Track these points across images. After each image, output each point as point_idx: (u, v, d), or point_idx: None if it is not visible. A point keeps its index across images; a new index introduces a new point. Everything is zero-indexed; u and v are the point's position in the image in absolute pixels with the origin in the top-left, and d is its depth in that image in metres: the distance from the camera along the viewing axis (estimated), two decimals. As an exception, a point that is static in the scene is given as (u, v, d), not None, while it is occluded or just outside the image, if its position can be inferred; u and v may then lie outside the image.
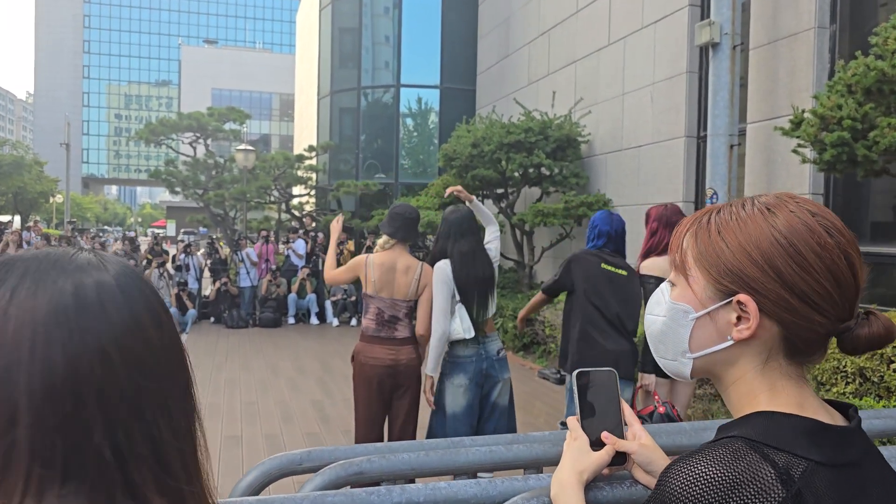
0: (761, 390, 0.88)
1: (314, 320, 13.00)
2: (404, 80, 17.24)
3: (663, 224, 4.21)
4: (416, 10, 17.27)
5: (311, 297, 13.01)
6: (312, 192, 19.34)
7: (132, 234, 27.84)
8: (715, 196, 7.53)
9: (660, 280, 3.89)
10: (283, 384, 7.88)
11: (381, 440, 3.96)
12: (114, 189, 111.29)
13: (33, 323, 0.57)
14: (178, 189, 18.60)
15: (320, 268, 13.65)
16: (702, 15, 8.62)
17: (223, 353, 9.85)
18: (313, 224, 15.89)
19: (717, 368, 0.93)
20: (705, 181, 7.80)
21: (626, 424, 1.07)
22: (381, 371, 3.85)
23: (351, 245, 13.89)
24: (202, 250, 16.85)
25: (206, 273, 14.27)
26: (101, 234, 37.76)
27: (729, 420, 0.91)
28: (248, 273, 12.93)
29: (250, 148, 16.21)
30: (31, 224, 31.43)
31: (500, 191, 11.57)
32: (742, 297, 0.86)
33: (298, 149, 26.87)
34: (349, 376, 4.16)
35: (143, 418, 0.60)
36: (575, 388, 1.05)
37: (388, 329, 3.88)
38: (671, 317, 0.95)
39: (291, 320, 12.92)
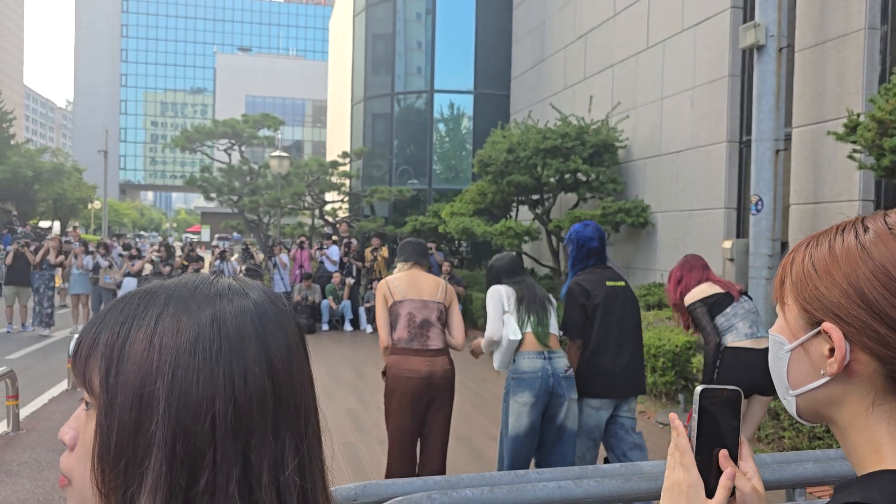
0: (884, 441, 0.76)
1: (348, 327, 12.98)
2: (438, 85, 17.18)
3: (686, 269, 4.34)
4: (449, 15, 17.22)
5: (346, 303, 12.99)
6: (346, 198, 19.38)
7: (171, 239, 28.22)
8: (760, 203, 7.32)
9: (705, 302, 4.12)
10: (317, 392, 7.82)
11: (415, 458, 3.91)
12: (150, 195, 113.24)
13: (175, 350, 0.59)
14: (213, 195, 18.77)
15: (353, 274, 13.64)
16: (745, 17, 8.42)
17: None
18: (347, 230, 15.89)
19: (824, 410, 0.82)
20: (749, 187, 7.60)
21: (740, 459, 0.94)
22: (417, 384, 3.76)
23: (385, 251, 13.84)
24: (236, 256, 16.99)
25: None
26: (137, 239, 38.34)
27: (846, 479, 0.79)
28: (281, 279, 12.96)
29: (284, 154, 16.29)
30: (69, 230, 32.08)
31: (535, 197, 11.44)
32: (826, 325, 0.77)
33: (331, 155, 26.98)
34: (384, 384, 4.09)
35: (266, 448, 0.60)
36: (696, 409, 0.92)
37: (422, 338, 3.83)
38: (772, 350, 0.87)
39: (325, 326, 12.91)
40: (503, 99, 16.36)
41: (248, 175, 19.18)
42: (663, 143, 9.87)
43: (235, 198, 18.48)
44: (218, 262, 13.65)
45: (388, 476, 3.84)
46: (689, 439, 0.92)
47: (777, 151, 7.18)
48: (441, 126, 17.68)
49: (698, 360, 6.57)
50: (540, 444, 3.73)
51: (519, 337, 3.69)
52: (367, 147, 18.51)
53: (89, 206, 40.67)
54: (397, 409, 3.80)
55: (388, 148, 18.10)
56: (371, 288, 13.12)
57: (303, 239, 14.16)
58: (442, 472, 3.88)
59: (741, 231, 8.44)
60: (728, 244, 7.96)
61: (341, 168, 18.52)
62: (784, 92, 7.25)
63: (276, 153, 16.20)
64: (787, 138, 7.50)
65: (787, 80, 7.40)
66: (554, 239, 11.20)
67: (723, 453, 0.89)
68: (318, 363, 9.52)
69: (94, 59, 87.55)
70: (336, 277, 13.04)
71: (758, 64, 7.18)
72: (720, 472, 0.88)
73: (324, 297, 12.97)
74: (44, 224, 33.95)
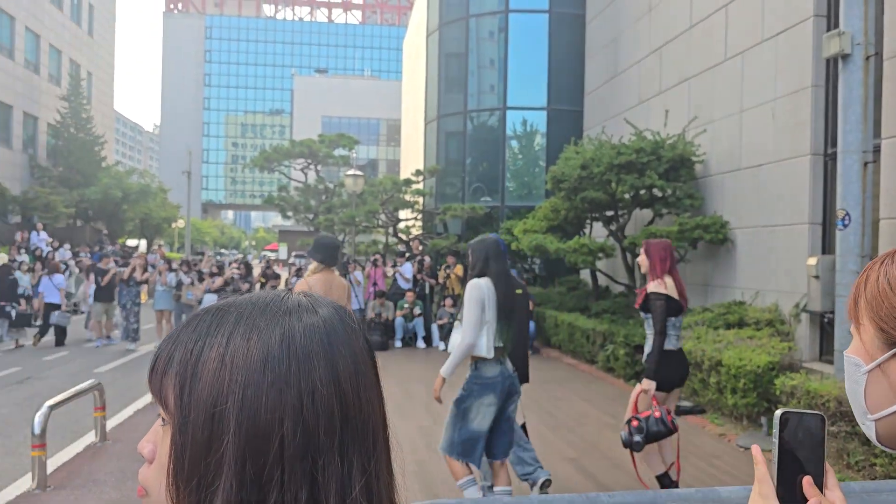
0: None
1: (420, 344, 13.06)
2: (511, 102, 17.21)
3: (670, 253, 4.67)
4: (522, 32, 17.26)
5: (418, 320, 13.08)
6: (419, 216, 19.57)
7: (249, 257, 29.09)
8: (847, 218, 7.00)
9: (669, 298, 4.49)
10: (390, 409, 7.83)
11: None
12: (230, 214, 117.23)
13: (246, 370, 0.60)
14: (289, 213, 19.28)
15: (427, 292, 13.73)
16: (829, 25, 8.12)
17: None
18: (420, 248, 16.02)
19: None
20: (835, 201, 7.29)
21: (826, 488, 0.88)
22: None
23: (459, 269, 13.87)
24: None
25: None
26: (218, 257, 39.69)
27: None
28: (355, 296, 13.16)
29: (359, 173, 16.59)
30: (155, 248, 33.50)
31: (609, 213, 11.28)
32: None
33: (405, 173, 27.32)
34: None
35: (333, 468, 0.60)
36: (776, 435, 0.87)
37: None
38: (848, 372, 0.84)
39: (398, 343, 13.03)
40: (576, 115, 16.24)
41: (324, 194, 19.62)
42: (743, 156, 9.58)
43: (311, 216, 18.92)
44: (294, 279, 13.98)
45: None
46: (770, 466, 0.88)
47: (865, 164, 6.87)
48: (514, 143, 17.68)
49: (781, 382, 6.31)
50: (491, 432, 4.17)
51: (492, 355, 4.04)
52: (441, 165, 18.67)
53: (173, 224, 42.38)
54: None
55: (461, 165, 18.21)
56: (443, 305, 13.18)
57: (377, 256, 14.36)
58: None
59: (827, 247, 8.09)
60: (813, 261, 7.64)
61: (415, 186, 18.72)
62: (872, 102, 6.94)
63: (352, 172, 16.53)
64: (876, 150, 7.17)
65: (875, 89, 7.08)
66: (629, 256, 11.00)
67: (807, 480, 0.85)
68: (391, 380, 9.60)
69: (179, 84, 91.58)
70: (409, 295, 13.16)
71: (843, 73, 6.90)
72: (805, 501, 0.84)
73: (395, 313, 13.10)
74: (131, 242, 35.56)
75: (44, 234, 22.60)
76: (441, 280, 13.81)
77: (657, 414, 4.37)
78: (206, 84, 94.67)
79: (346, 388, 0.62)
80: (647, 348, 4.61)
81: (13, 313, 12.95)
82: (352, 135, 21.43)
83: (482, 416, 4.05)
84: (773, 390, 6.60)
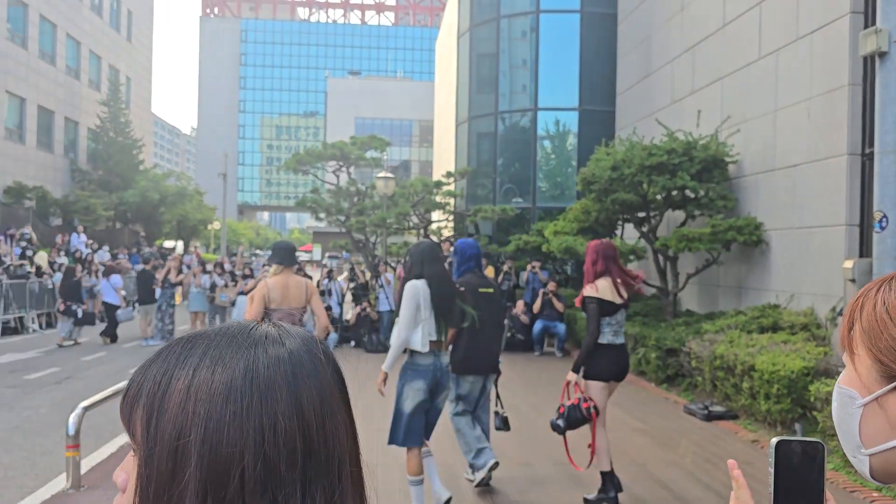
0: None
1: (451, 345, 13.05)
2: (542, 103, 17.13)
3: (601, 255, 5.00)
4: (553, 32, 17.17)
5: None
6: (450, 218, 19.58)
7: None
8: (885, 220, 6.83)
9: (601, 301, 4.86)
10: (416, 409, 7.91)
11: None
12: (265, 215, 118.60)
13: (209, 403, 0.59)
14: (321, 216, 19.41)
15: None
16: (866, 22, 7.92)
17: (363, 376, 10.07)
18: (450, 249, 16.02)
19: None
20: (872, 203, 7.12)
21: None
22: None
23: (490, 271, 13.83)
24: (344, 274, 17.48)
25: (348, 297, 14.73)
26: (253, 257, 40.16)
27: None
28: (387, 298, 13.21)
29: (390, 175, 16.66)
30: (191, 249, 34.04)
31: (641, 214, 11.16)
32: None
33: (437, 174, 27.33)
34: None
35: (293, 502, 0.59)
36: (772, 463, 0.85)
37: None
38: (840, 403, 0.80)
39: (428, 345, 13.03)
40: (608, 115, 16.11)
41: (356, 195, 19.71)
42: (777, 157, 9.41)
43: (343, 218, 19.03)
44: (326, 280, 14.09)
45: None
46: (769, 494, 0.84)
47: (904, 165, 6.69)
48: (545, 144, 17.59)
49: (816, 388, 6.18)
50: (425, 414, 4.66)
51: (427, 349, 4.48)
52: (472, 166, 18.65)
53: (209, 226, 42.99)
54: None
55: (492, 167, 18.18)
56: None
57: (407, 258, 14.39)
58: None
59: (864, 250, 7.90)
60: (849, 264, 7.47)
61: (446, 188, 18.73)
62: (912, 101, 6.75)
63: (382, 174, 16.60)
64: (916, 150, 6.97)
65: (915, 87, 6.88)
66: (661, 258, 10.87)
67: None
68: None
69: (215, 88, 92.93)
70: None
71: (880, 71, 6.74)
72: None
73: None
74: (168, 244, 36.17)
75: (83, 237, 23.11)
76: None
77: (574, 402, 4.90)
78: (242, 87, 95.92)
79: (310, 421, 0.61)
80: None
81: (79, 312, 13.66)
82: (384, 136, 21.47)
83: (410, 399, 4.49)
84: (807, 396, 6.46)
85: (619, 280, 4.98)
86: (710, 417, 7.62)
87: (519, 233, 15.67)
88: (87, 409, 5.47)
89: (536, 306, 12.41)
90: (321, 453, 0.61)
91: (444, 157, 31.84)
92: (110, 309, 14.04)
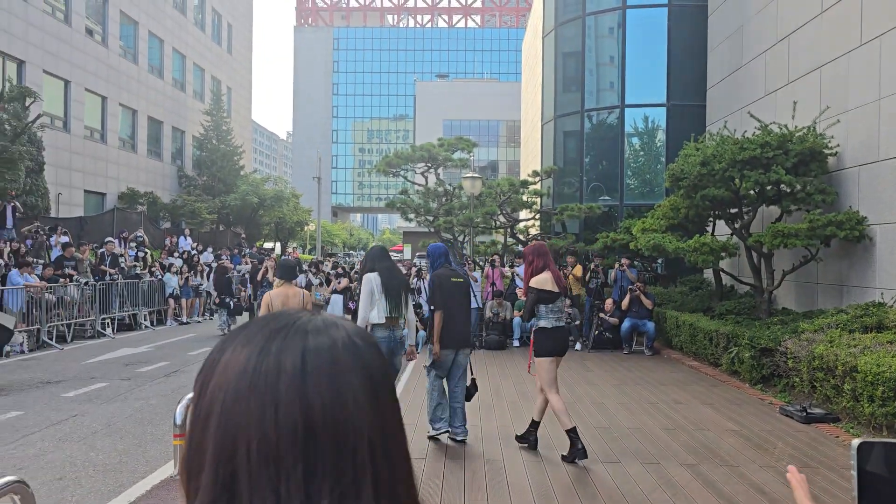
0: None
1: (538, 344, 13.05)
2: (629, 100, 16.86)
3: (537, 255, 6.16)
4: (640, 27, 16.88)
5: (535, 320, 13.08)
6: (537, 216, 19.56)
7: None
8: None
9: (540, 291, 5.99)
10: (505, 407, 8.00)
11: None
12: (358, 216, 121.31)
13: (230, 379, 0.63)
14: (410, 216, 19.77)
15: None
16: (978, 2, 7.46)
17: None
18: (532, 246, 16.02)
19: None
20: None
21: None
22: None
23: (578, 270, 13.75)
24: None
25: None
26: (347, 258, 41.20)
27: None
28: (474, 295, 13.34)
29: (477, 176, 16.81)
30: (289, 250, 35.30)
31: (732, 210, 10.85)
32: None
33: (524, 173, 27.30)
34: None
35: (294, 483, 0.61)
36: (855, 467, 0.81)
37: None
38: None
39: (516, 343, 13.09)
40: (698, 110, 15.70)
41: (444, 196, 19.98)
42: (882, 147, 8.96)
43: (431, 218, 19.32)
44: (416, 280, 14.37)
45: None
46: (853, 499, 0.80)
47: None
48: (633, 140, 17.31)
49: (922, 389, 5.87)
50: None
51: (383, 321, 5.97)
52: (558, 165, 18.57)
53: (305, 228, 44.40)
54: None
55: (578, 165, 18.04)
56: (561, 305, 13.13)
57: (495, 257, 14.50)
58: None
59: (979, 244, 7.43)
60: (961, 259, 7.04)
61: (532, 187, 18.72)
62: None
63: (469, 175, 16.77)
64: None
65: None
66: (754, 255, 10.54)
67: None
68: (508, 380, 9.71)
69: (309, 95, 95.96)
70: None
71: None
72: None
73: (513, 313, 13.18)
74: (267, 245, 37.63)
75: (190, 239, 24.40)
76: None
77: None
78: (335, 93, 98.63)
79: (315, 404, 0.62)
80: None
81: (231, 304, 15.51)
82: (471, 138, 21.67)
83: None
84: (912, 398, 6.15)
85: (554, 274, 6.08)
86: (809, 420, 7.34)
87: (606, 230, 15.49)
88: (192, 398, 5.85)
89: (625, 303, 12.26)
90: (329, 438, 0.62)
91: (532, 156, 31.75)
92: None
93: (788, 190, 9.73)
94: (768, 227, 9.88)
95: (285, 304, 6.20)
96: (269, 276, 13.73)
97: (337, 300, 13.84)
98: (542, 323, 6.08)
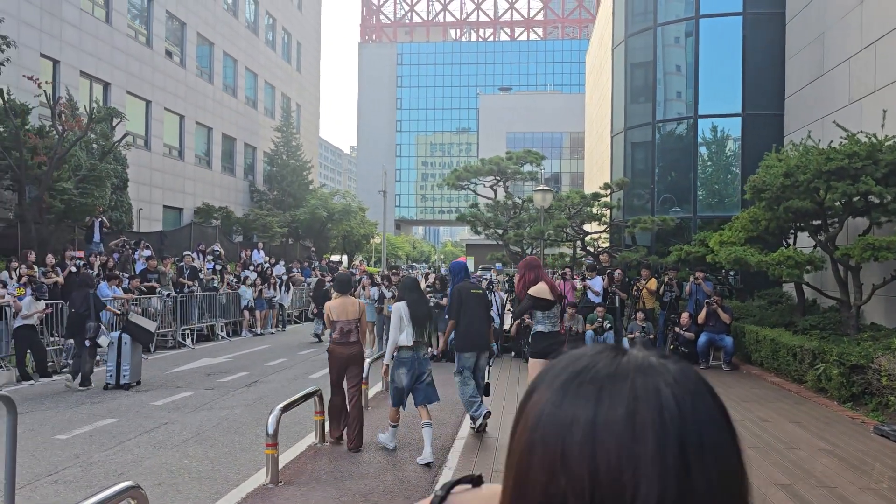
0: None
1: (612, 358, 12.88)
2: (702, 110, 16.56)
3: (529, 268, 6.87)
4: (714, 35, 16.58)
5: (609, 334, 12.95)
6: (607, 229, 19.36)
7: (444, 270, 30.22)
8: None
9: (537, 299, 6.69)
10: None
11: (344, 396, 7.05)
12: (420, 229, 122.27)
13: (576, 431, 0.59)
14: (479, 229, 19.84)
15: (616, 305, 13.57)
16: None
17: (524, 387, 10.21)
18: (609, 261, 15.86)
19: None
20: None
21: None
22: (340, 358, 7.02)
23: (653, 283, 13.55)
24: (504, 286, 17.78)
25: (508, 307, 14.96)
26: (411, 270, 41.58)
27: None
28: (496, 314, 13.29)
29: (548, 189, 16.74)
30: (356, 262, 35.83)
31: (816, 222, 10.53)
32: None
33: (589, 185, 27.06)
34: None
35: None
36: None
37: (345, 336, 7.02)
38: None
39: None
40: (775, 119, 15.31)
41: (512, 209, 19.99)
42: (979, 156, 8.57)
43: (500, 231, 19.35)
44: (487, 292, 14.40)
45: (331, 402, 7.06)
46: None
47: None
48: (705, 151, 16.98)
49: None
50: (412, 390, 6.74)
51: (411, 343, 6.70)
52: (628, 177, 18.36)
53: (371, 241, 45.02)
54: (334, 371, 7.06)
55: (649, 177, 17.80)
56: (634, 318, 12.95)
57: (566, 270, 14.41)
58: (355, 414, 6.85)
59: None
60: None
61: (602, 199, 18.57)
62: None
63: (540, 188, 16.73)
64: None
65: None
66: (841, 268, 10.19)
67: None
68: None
69: (373, 109, 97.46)
70: (600, 310, 13.07)
71: None
72: None
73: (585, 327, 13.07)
74: (335, 258, 38.29)
75: (262, 252, 25.06)
76: (634, 292, 13.62)
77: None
78: (398, 108, 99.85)
79: (605, 458, 0.58)
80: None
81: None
82: (535, 149, 21.65)
83: (399, 379, 6.68)
84: None
85: (548, 283, 6.80)
86: (881, 434, 7.06)
87: (678, 243, 15.21)
88: (283, 410, 6.00)
89: (701, 317, 12.00)
90: (583, 479, 0.58)
91: (597, 168, 31.44)
92: None
93: (878, 201, 9.40)
94: (857, 240, 9.56)
95: (342, 312, 7.01)
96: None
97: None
98: (539, 327, 6.79)
